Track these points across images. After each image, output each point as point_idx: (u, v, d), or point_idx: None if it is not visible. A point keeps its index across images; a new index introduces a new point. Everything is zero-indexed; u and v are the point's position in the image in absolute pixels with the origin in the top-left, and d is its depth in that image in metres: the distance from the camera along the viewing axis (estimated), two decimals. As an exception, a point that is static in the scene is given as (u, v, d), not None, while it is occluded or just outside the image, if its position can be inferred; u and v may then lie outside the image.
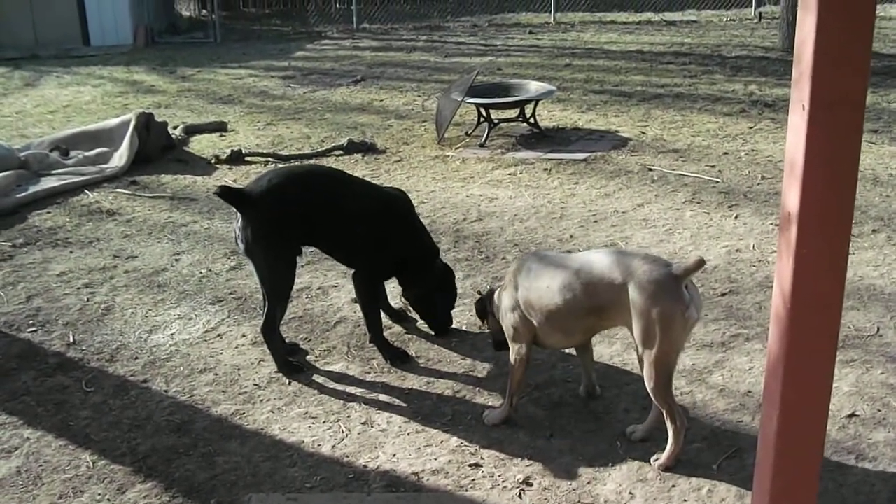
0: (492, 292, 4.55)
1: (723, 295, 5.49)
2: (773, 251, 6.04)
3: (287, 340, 5.09)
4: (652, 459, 3.89)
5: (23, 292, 6.00)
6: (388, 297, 5.36)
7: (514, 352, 4.22)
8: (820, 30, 2.32)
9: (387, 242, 4.93)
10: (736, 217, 6.84)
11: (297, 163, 8.66)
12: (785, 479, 2.79)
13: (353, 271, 5.07)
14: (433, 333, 5.22)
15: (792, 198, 2.50)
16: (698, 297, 3.79)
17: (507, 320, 4.23)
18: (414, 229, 5.11)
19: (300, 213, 4.75)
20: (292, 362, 4.90)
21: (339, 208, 4.84)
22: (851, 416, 4.18)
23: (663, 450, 3.86)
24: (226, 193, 4.70)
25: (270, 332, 4.85)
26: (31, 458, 4.16)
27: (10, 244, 6.92)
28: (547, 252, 4.84)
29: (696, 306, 3.72)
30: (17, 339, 5.33)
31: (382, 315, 5.16)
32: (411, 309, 5.33)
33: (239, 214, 4.73)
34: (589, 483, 3.80)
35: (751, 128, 9.52)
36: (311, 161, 8.86)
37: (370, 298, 5.03)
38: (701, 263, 3.67)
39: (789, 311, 2.58)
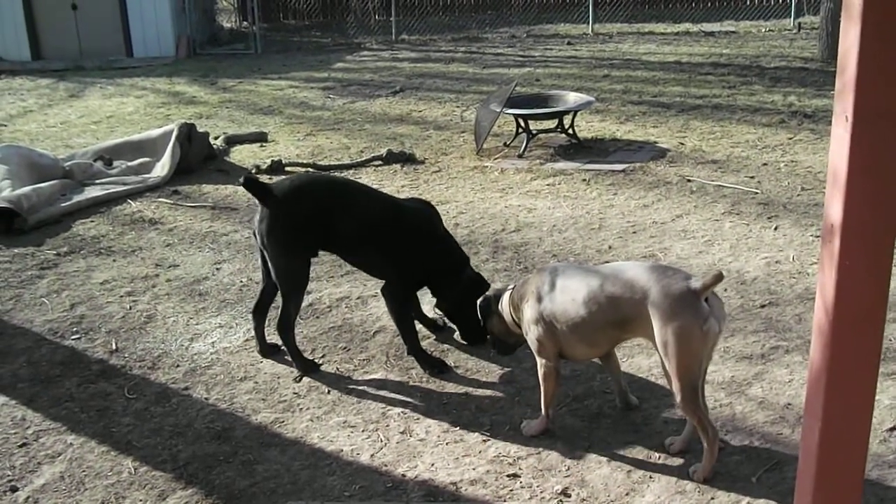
0: (497, 294, 4.56)
1: (762, 307, 5.45)
2: (812, 263, 5.99)
3: (318, 356, 5.13)
4: (690, 471, 3.88)
5: (67, 300, 6.09)
6: (423, 307, 5.38)
7: (542, 365, 4.21)
8: (864, 41, 2.31)
9: (406, 255, 4.96)
10: (775, 228, 6.80)
11: (334, 173, 8.72)
12: (826, 492, 2.77)
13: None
14: (466, 344, 5.23)
15: (835, 209, 2.49)
16: (720, 309, 3.77)
17: (532, 333, 4.21)
18: (435, 241, 5.10)
19: (316, 215, 4.85)
20: (309, 360, 5.04)
21: (355, 217, 4.91)
22: (893, 429, 4.13)
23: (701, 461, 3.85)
24: (251, 183, 4.88)
25: (286, 330, 4.95)
26: (74, 464, 4.21)
27: (54, 252, 7.03)
28: (569, 264, 4.83)
29: (718, 319, 3.70)
30: (61, 346, 5.41)
31: (418, 325, 5.18)
32: (447, 319, 5.35)
33: (260, 207, 4.87)
34: (627, 494, 3.79)
35: (790, 139, 9.45)
36: (351, 171, 8.94)
37: (400, 310, 5.02)
38: (719, 278, 3.67)
39: (832, 323, 2.57)
